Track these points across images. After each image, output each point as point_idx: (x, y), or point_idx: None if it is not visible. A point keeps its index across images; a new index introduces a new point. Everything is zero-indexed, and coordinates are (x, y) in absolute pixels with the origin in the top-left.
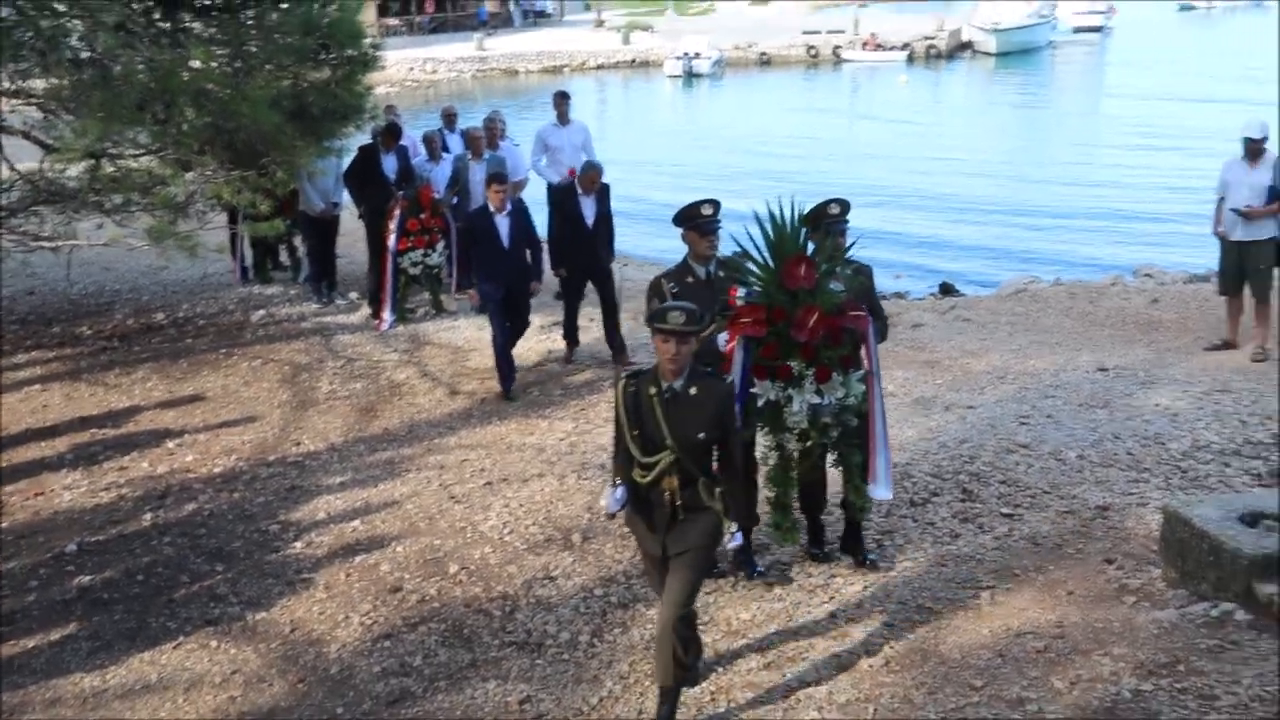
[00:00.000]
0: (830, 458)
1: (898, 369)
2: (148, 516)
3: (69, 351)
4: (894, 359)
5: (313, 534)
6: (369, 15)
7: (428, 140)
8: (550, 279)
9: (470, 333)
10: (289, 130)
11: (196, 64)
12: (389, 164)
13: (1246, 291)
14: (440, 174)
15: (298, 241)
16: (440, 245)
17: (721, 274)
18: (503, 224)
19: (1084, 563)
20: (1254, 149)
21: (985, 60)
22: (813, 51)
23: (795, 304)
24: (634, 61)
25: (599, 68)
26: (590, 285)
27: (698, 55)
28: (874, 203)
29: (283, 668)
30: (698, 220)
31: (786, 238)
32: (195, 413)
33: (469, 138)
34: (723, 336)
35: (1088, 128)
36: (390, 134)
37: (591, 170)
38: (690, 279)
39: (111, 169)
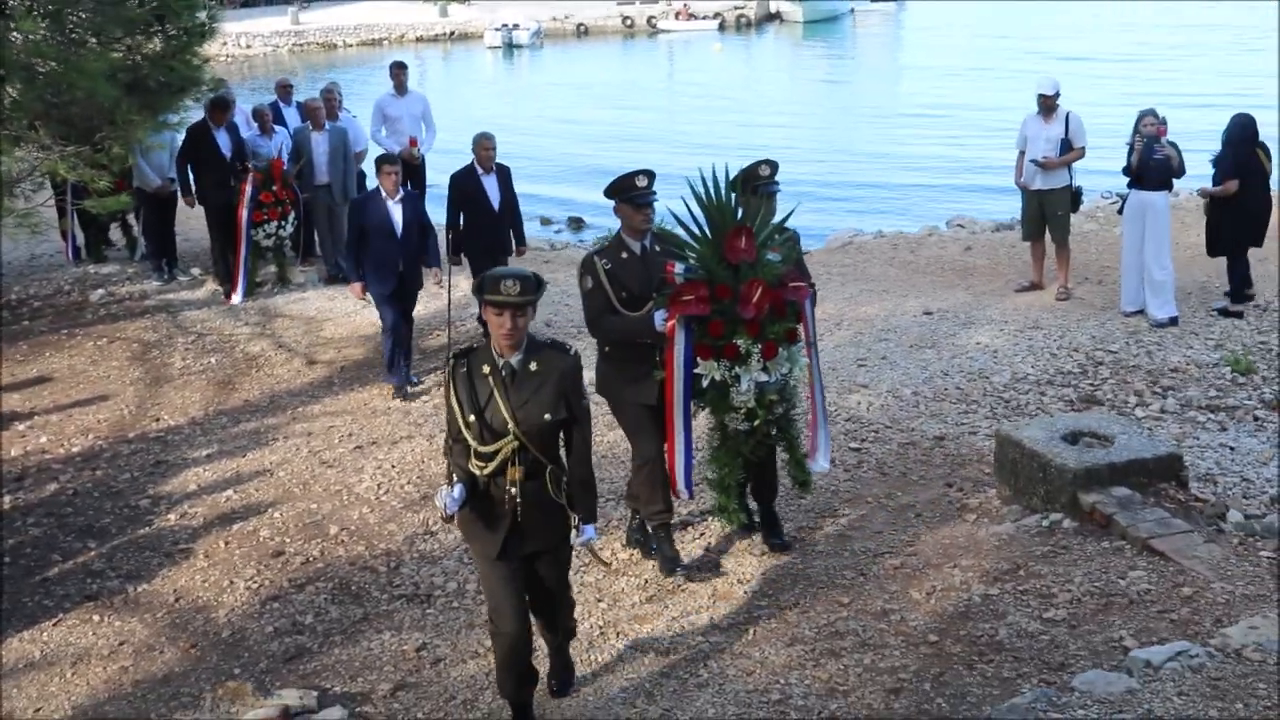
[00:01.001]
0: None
1: None
2: (6, 499)
3: None
4: None
5: (185, 506)
6: None
7: (258, 114)
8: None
9: (321, 303)
10: (126, 104)
11: (15, 36)
12: (223, 140)
13: (1048, 236)
14: (272, 147)
15: (132, 219)
16: (291, 216)
17: (658, 249)
18: (395, 210)
19: (927, 487)
20: (1047, 104)
21: (793, 28)
22: (628, 22)
23: (738, 279)
24: (453, 34)
25: (418, 40)
26: None
27: (517, 26)
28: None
29: (172, 635)
30: (632, 193)
31: (725, 209)
32: (43, 394)
33: (308, 110)
34: (660, 315)
35: (886, 99)
36: (219, 108)
37: (484, 139)
38: (625, 255)
39: None
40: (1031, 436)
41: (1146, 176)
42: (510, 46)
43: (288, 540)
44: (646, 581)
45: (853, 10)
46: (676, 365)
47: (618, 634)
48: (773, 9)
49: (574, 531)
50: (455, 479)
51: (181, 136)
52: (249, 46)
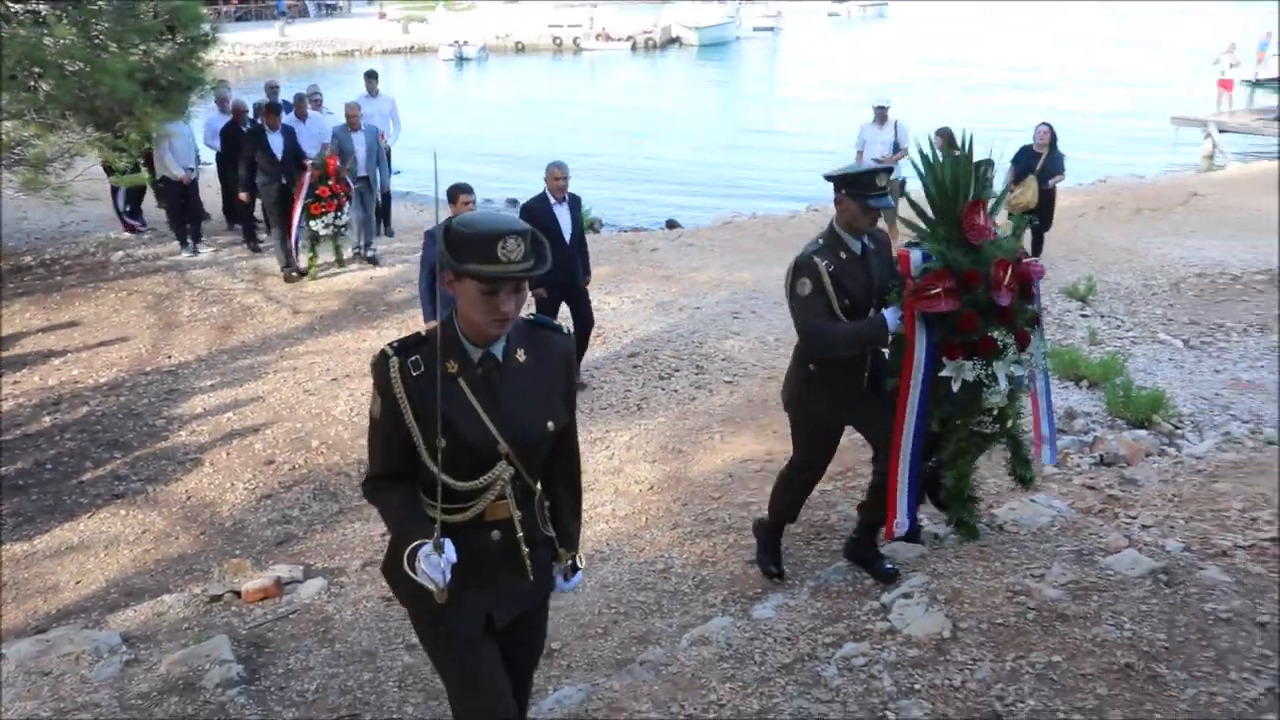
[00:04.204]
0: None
1: (643, 282)
2: (47, 419)
3: None
4: (639, 275)
5: (194, 425)
6: None
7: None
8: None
9: (303, 266)
10: (142, 99)
11: (48, 41)
12: (275, 142)
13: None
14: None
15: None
16: (346, 207)
17: (873, 246)
18: None
19: (784, 411)
20: (881, 114)
21: (689, 51)
22: (557, 41)
23: (982, 262)
24: (413, 48)
25: (384, 53)
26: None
27: (466, 43)
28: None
29: (185, 525)
30: (870, 191)
31: (962, 179)
32: (74, 335)
33: (347, 113)
34: (893, 313)
35: (762, 109)
36: (272, 112)
37: (556, 169)
38: (844, 254)
39: None
40: None
41: None
42: (461, 59)
43: (277, 452)
44: None
45: (739, 38)
46: (915, 371)
47: None
48: (674, 34)
49: (562, 575)
50: (438, 535)
51: (191, 128)
52: (242, 54)
